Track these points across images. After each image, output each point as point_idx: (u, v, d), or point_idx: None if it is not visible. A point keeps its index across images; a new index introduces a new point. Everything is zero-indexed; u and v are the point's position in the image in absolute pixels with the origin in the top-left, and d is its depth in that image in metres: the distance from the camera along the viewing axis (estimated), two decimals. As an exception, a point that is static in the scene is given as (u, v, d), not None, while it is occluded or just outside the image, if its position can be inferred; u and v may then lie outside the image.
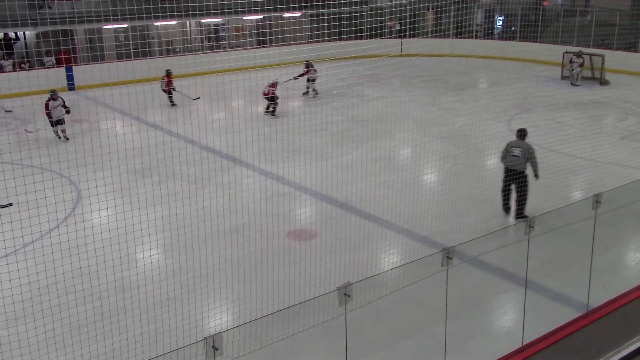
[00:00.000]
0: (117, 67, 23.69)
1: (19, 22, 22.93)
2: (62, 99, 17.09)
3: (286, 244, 9.76)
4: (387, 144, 15.63)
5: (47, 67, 24.72)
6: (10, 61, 24.57)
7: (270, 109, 19.39)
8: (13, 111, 19.20)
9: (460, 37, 31.21)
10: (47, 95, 16.97)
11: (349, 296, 6.18)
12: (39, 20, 23.52)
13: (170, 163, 13.55)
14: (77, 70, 24.40)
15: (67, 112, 17.11)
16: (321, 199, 11.56)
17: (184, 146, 15.42)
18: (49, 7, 24.16)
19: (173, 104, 21.50)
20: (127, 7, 23.91)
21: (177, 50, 28.59)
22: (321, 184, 12.14)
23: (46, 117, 16.78)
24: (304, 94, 22.25)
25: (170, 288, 8.26)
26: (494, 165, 12.28)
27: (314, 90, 22.14)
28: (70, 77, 24.24)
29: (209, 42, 30.99)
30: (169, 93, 21.60)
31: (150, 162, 13.64)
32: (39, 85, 19.84)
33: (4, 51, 24.80)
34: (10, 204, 9.89)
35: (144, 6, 23.97)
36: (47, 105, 16.68)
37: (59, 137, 16.89)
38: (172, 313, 7.63)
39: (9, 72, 23.72)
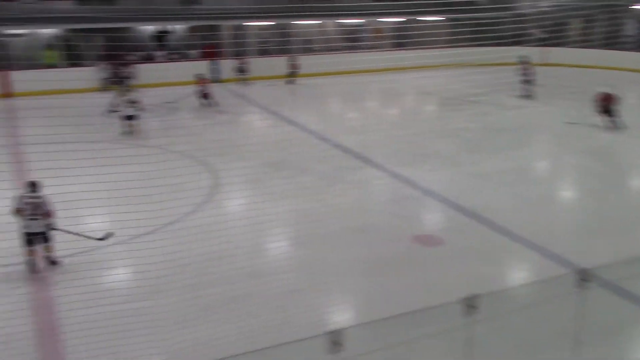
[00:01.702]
0: (256, 62, 24.63)
1: (173, 16, 24.41)
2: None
3: (411, 248, 9.68)
4: (524, 155, 15.06)
5: (193, 60, 26.12)
6: (163, 53, 26.18)
7: None
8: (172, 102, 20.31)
9: (610, 49, 29.42)
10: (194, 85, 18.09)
11: (474, 308, 6.04)
12: (190, 15, 24.90)
13: (303, 158, 13.90)
14: (221, 64, 25.57)
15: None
16: (450, 206, 11.35)
17: (317, 143, 15.70)
18: (200, 3, 25.50)
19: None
20: (271, 6, 24.77)
21: (315, 49, 29.16)
22: (451, 191, 11.92)
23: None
24: None
25: (296, 280, 8.45)
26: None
27: None
28: (214, 71, 25.43)
29: (347, 42, 31.34)
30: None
31: (283, 156, 14.02)
32: (187, 76, 21.11)
33: (158, 43, 26.50)
34: (107, 237, 9.41)
35: (287, 5, 24.71)
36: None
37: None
38: (297, 304, 7.80)
39: (161, 62, 25.33)
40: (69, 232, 8.73)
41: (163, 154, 13.57)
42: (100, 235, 9.12)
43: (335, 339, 5.45)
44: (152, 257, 7.74)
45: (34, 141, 11.52)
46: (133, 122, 16.51)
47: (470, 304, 6.04)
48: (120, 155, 12.46)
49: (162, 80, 20.71)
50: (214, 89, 21.21)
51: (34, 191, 8.64)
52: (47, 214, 8.58)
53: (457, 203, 11.40)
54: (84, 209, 8.68)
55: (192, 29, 26.77)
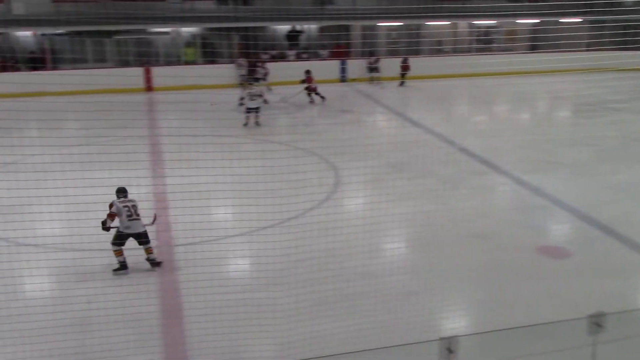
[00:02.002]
0: (383, 63, 24.58)
1: (306, 16, 24.92)
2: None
3: (535, 259, 9.25)
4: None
5: (322, 59, 26.55)
6: (294, 52, 26.81)
7: None
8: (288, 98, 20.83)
9: None
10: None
11: (600, 327, 5.67)
12: (323, 15, 25.31)
13: (426, 161, 13.70)
14: (350, 63, 25.79)
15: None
16: (580, 218, 10.74)
17: (442, 146, 15.42)
18: (333, 3, 25.85)
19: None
20: (402, 6, 24.63)
21: (447, 50, 28.68)
22: (582, 201, 11.28)
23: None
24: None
25: (411, 283, 8.34)
26: None
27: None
28: (343, 70, 25.69)
29: (479, 44, 30.56)
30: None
31: (406, 157, 13.90)
32: (315, 75, 21.47)
33: (291, 42, 27.17)
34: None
35: (418, 6, 24.49)
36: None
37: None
38: (410, 307, 7.70)
39: (292, 61, 25.95)
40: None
41: (288, 150, 13.90)
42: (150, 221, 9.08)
43: (448, 346, 5.32)
44: (271, 250, 7.94)
45: (169, 133, 12.24)
46: (255, 114, 17.13)
47: (596, 322, 5.68)
48: (246, 150, 12.92)
49: (293, 79, 21.20)
50: (340, 88, 21.45)
51: (125, 196, 8.95)
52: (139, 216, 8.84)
53: (588, 215, 10.77)
54: (210, 200, 9.07)
55: (323, 29, 27.21)
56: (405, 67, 24.32)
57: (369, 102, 21.17)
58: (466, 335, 6.85)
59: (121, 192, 8.97)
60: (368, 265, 8.76)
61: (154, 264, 8.87)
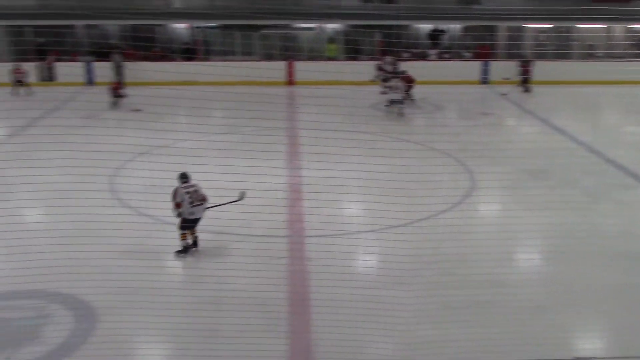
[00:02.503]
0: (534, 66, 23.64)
1: (450, 16, 24.52)
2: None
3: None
4: None
5: (465, 60, 25.99)
6: (436, 51, 26.47)
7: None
8: (425, 97, 20.58)
9: None
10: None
11: None
12: (468, 15, 24.78)
13: (568, 170, 13.05)
14: (493, 65, 25.06)
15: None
16: None
17: (587, 155, 14.60)
18: (479, 3, 25.22)
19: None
20: (553, 7, 23.55)
21: (599, 55, 27.07)
22: None
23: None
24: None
25: (544, 296, 8.01)
26: None
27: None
28: (485, 72, 25.02)
29: (636, 49, 28.57)
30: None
31: (547, 165, 13.31)
32: (456, 75, 21.11)
33: (433, 42, 26.86)
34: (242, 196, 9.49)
35: (570, 7, 23.30)
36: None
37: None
38: (542, 321, 7.41)
39: (433, 61, 25.65)
40: (219, 205, 9.14)
41: (423, 150, 13.79)
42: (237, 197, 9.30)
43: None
44: (400, 250, 7.93)
45: (307, 126, 12.53)
46: (399, 106, 17.24)
47: None
48: (382, 147, 12.95)
49: (433, 79, 20.96)
50: (480, 90, 20.92)
51: (187, 181, 9.16)
52: (204, 199, 9.16)
53: None
54: (343, 194, 9.22)
55: (467, 29, 26.62)
56: (526, 72, 22.98)
57: (511, 105, 20.45)
58: (603, 358, 6.51)
59: (183, 177, 9.22)
60: (499, 273, 8.51)
61: (195, 244, 9.25)
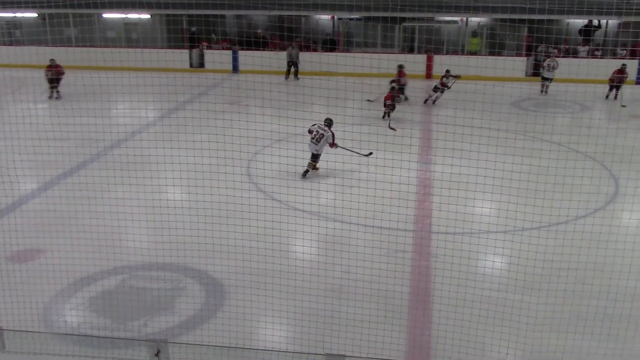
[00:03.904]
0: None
1: (605, 10, 23.02)
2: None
3: None
4: None
5: (620, 58, 24.35)
6: (587, 48, 25.02)
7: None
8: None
9: None
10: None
11: None
12: (626, 10, 23.14)
13: None
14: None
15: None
16: None
17: None
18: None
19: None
20: None
21: None
22: None
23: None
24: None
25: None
26: None
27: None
28: (640, 71, 23.36)
29: None
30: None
31: None
32: (607, 74, 19.84)
33: (585, 37, 25.38)
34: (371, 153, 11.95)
35: None
36: None
37: None
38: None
39: (582, 57, 24.28)
40: (344, 148, 11.93)
41: (564, 151, 13.14)
42: (366, 152, 11.89)
43: None
44: (533, 254, 7.65)
45: (443, 121, 12.36)
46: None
47: None
48: (519, 146, 12.50)
49: (582, 77, 19.89)
50: (633, 90, 19.55)
51: (327, 124, 12.04)
52: (318, 140, 11.82)
53: None
54: (474, 192, 9.02)
55: (624, 25, 24.88)
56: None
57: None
58: None
59: (326, 120, 12.12)
60: (636, 287, 7.96)
61: (305, 172, 11.74)
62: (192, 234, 7.85)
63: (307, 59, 23.40)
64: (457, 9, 23.72)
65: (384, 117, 16.69)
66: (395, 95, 17.27)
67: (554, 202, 8.42)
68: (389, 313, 7.41)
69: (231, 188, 8.29)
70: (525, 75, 24.06)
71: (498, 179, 9.87)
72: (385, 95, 16.86)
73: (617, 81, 19.62)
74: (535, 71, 23.92)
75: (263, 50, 24.82)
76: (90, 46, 23.98)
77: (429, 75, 24.27)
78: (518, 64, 23.88)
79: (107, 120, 15.12)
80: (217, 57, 23.95)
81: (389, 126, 14.93)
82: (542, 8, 22.87)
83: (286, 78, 23.42)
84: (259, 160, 12.47)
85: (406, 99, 19.69)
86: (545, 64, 22.20)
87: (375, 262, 7.85)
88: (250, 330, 7.12)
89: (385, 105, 16.87)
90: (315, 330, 6.89)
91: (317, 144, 11.83)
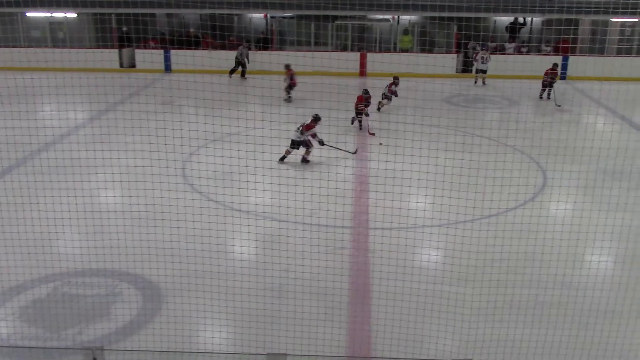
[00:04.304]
0: (613, 62, 22.75)
1: (530, 8, 23.82)
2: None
3: None
4: None
5: (544, 54, 25.24)
6: (514, 44, 25.81)
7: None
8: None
9: None
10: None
11: None
12: (549, 8, 24.02)
13: (648, 171, 12.53)
14: (572, 60, 24.25)
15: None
16: None
17: (670, 157, 13.97)
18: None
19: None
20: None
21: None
22: None
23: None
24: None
25: (614, 300, 7.73)
26: None
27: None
28: (564, 67, 24.24)
29: None
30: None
31: (625, 166, 12.79)
32: (532, 70, 20.56)
33: (511, 35, 26.18)
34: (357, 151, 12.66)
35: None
36: None
37: None
38: (611, 326, 7.17)
39: (509, 54, 25.05)
40: (330, 146, 12.07)
41: (495, 146, 13.52)
42: (352, 150, 12.19)
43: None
44: (466, 246, 7.84)
45: (379, 119, 12.50)
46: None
47: None
48: (452, 141, 12.76)
49: (510, 73, 20.50)
50: (559, 85, 20.27)
51: (312, 120, 12.66)
52: (313, 136, 12.39)
53: None
54: (409, 188, 9.16)
55: (548, 23, 25.80)
56: None
57: (589, 102, 19.74)
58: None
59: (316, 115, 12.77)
60: (568, 275, 8.27)
61: (306, 160, 12.34)
62: (127, 238, 7.68)
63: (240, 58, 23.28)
64: (388, 7, 24.05)
65: (352, 122, 15.92)
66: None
67: (486, 195, 8.66)
68: (329, 310, 7.45)
69: (166, 190, 8.15)
70: (456, 72, 24.61)
71: (432, 174, 10.09)
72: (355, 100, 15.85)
73: (549, 80, 19.83)
74: (465, 68, 24.55)
75: (196, 49, 24.52)
76: (14, 46, 23.11)
77: (362, 73, 24.51)
78: (448, 61, 24.41)
79: (34, 123, 14.56)
80: (147, 57, 23.49)
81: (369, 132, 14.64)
82: (469, 6, 23.53)
83: (230, 76, 23.07)
84: (194, 161, 12.31)
85: (289, 99, 19.49)
86: (478, 57, 22.87)
87: (314, 259, 7.87)
88: (189, 334, 7.02)
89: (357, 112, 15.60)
90: (256, 330, 6.86)
91: (297, 131, 12.70)
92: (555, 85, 19.74)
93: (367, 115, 15.50)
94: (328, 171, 8.56)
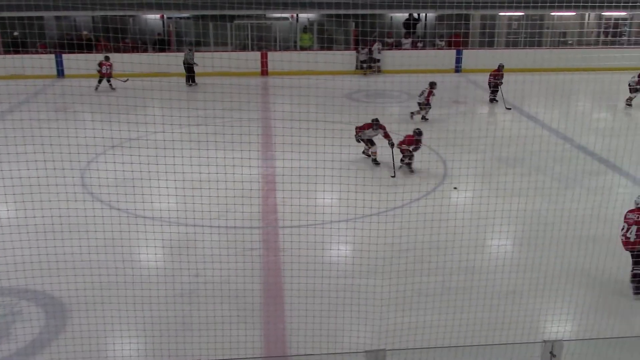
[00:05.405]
0: (502, 54, 23.81)
1: (423, 4, 24.55)
2: None
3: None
4: None
5: (438, 49, 26.12)
6: (410, 40, 26.52)
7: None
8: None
9: None
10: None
11: None
12: (441, 4, 24.82)
13: (540, 157, 13.21)
14: (466, 53, 25.20)
15: None
16: None
17: (558, 142, 14.80)
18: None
19: None
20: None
21: (570, 42, 27.36)
22: None
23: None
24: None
25: (515, 281, 8.11)
26: None
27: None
28: (458, 60, 25.18)
29: (607, 36, 28.93)
30: None
31: (518, 153, 13.45)
32: (426, 64, 21.22)
33: (407, 31, 26.88)
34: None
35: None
36: None
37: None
38: (513, 306, 7.52)
39: (406, 49, 25.74)
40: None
41: (396, 139, 13.83)
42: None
43: (551, 350, 5.18)
44: (374, 238, 7.98)
45: (281, 117, 12.52)
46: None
47: None
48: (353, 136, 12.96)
49: (407, 68, 21.05)
50: (454, 78, 20.96)
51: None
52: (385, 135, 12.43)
53: None
54: (316, 185, 9.21)
55: (441, 18, 26.70)
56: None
57: (483, 94, 20.56)
58: (570, 340, 6.60)
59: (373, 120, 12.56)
60: (472, 260, 8.60)
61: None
62: (25, 253, 7.29)
63: (136, 60, 22.54)
64: (285, 6, 24.09)
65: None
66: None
67: (390, 187, 8.89)
68: (242, 312, 7.38)
69: (64, 200, 7.79)
70: (355, 69, 24.99)
71: (337, 170, 10.21)
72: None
73: (494, 82, 19.14)
74: (363, 62, 24.91)
75: (89, 52, 23.57)
76: None
77: (264, 72, 24.44)
78: (348, 58, 24.76)
79: None
80: (36, 62, 22.37)
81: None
82: (365, 3, 23.96)
83: (189, 84, 22.07)
84: (93, 169, 11.86)
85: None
86: (374, 47, 23.47)
87: (224, 262, 7.76)
88: (97, 348, 6.75)
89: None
90: (168, 338, 6.70)
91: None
92: (501, 87, 19.14)
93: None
94: (233, 172, 8.46)
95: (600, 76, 22.99)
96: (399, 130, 14.08)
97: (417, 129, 12.82)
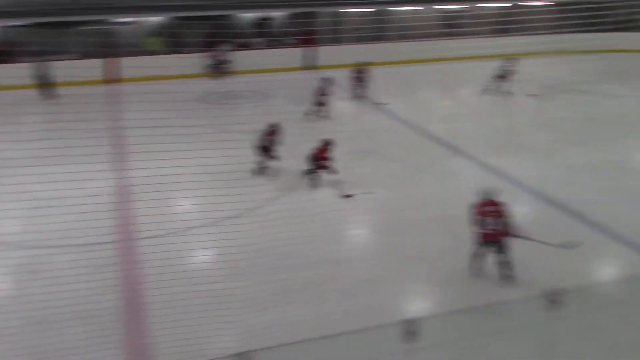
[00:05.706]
0: (353, 49, 24.56)
1: (273, 4, 24.76)
2: None
3: (497, 241, 9.38)
4: (625, 147, 14.22)
5: (290, 47, 26.45)
6: (261, 39, 26.63)
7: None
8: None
9: None
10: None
11: (557, 303, 5.82)
12: (290, 3, 25.14)
13: (390, 147, 13.77)
14: (319, 50, 25.69)
15: None
16: (540, 199, 10.92)
17: (406, 131, 15.50)
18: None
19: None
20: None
21: (411, 35, 28.71)
22: (543, 183, 11.46)
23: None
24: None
25: (374, 268, 8.42)
26: None
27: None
28: (309, 57, 25.64)
29: (447, 28, 30.65)
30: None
31: (371, 145, 13.93)
32: (283, 63, 21.36)
33: (258, 30, 26.94)
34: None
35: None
36: None
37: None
38: (373, 292, 7.79)
39: (258, 49, 25.82)
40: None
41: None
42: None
43: (410, 328, 5.41)
44: (234, 241, 7.94)
45: (132, 125, 12.12)
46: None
47: (553, 299, 5.83)
48: (209, 140, 12.82)
49: (259, 67, 21.12)
50: (307, 75, 21.33)
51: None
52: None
53: (548, 196, 10.96)
54: (175, 191, 9.03)
55: (292, 17, 27.01)
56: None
57: (338, 88, 21.08)
58: (427, 317, 6.97)
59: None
60: (332, 252, 8.82)
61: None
62: None
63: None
64: (127, 10, 23.34)
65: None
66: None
67: (249, 188, 8.89)
68: (102, 332, 7.05)
69: None
70: (207, 71, 24.69)
71: (195, 175, 10.06)
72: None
73: (356, 77, 19.04)
74: (215, 64, 24.67)
75: None
76: None
77: (110, 79, 23.49)
78: (198, 60, 24.42)
79: None
80: None
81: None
82: (214, 4, 23.74)
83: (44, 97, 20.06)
84: None
85: None
86: (224, 48, 23.39)
87: (79, 282, 7.38)
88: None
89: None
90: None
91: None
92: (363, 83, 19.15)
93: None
94: (83, 186, 8.08)
95: (442, 66, 24.40)
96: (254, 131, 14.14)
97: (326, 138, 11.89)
